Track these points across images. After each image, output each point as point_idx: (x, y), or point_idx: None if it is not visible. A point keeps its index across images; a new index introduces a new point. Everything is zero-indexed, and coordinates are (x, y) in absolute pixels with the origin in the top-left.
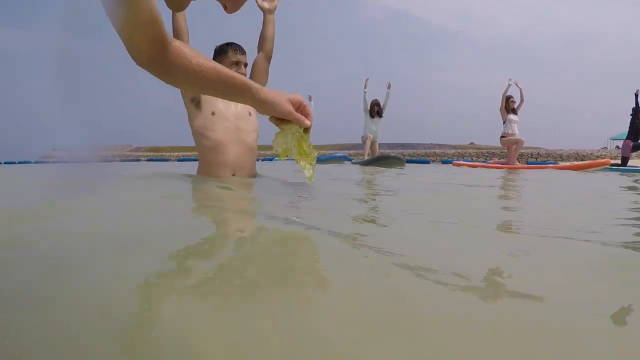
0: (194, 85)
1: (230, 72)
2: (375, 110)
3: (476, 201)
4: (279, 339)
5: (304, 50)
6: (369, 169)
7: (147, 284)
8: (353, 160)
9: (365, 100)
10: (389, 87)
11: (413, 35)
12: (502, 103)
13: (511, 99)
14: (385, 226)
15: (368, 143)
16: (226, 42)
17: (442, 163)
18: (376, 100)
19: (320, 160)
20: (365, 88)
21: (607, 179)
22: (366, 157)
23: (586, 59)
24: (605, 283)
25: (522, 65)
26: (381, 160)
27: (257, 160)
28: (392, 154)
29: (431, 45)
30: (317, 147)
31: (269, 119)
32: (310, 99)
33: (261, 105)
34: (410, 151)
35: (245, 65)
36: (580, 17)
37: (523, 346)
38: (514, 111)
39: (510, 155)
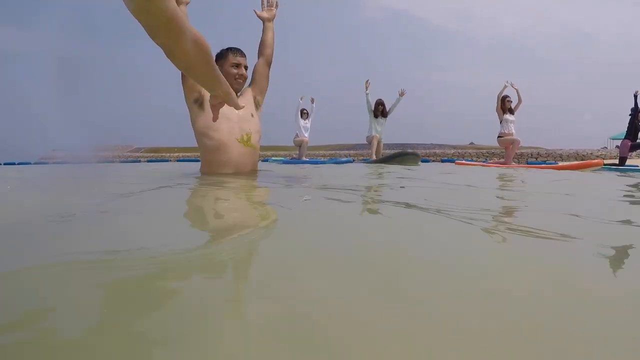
0: (184, 54)
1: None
2: (380, 110)
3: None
4: None
5: (303, 50)
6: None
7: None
8: (366, 160)
9: (368, 101)
10: (401, 94)
11: (413, 36)
12: (497, 103)
13: (507, 99)
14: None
15: (375, 143)
16: (227, 47)
17: (442, 162)
18: (380, 100)
19: (326, 163)
20: (366, 90)
21: (602, 177)
22: (374, 157)
23: (586, 59)
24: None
25: (522, 65)
26: (398, 157)
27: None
28: (410, 151)
29: (431, 46)
30: (318, 148)
31: (211, 106)
32: (312, 101)
33: (226, 97)
34: (404, 149)
35: (246, 67)
36: (580, 17)
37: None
38: (511, 111)
39: (508, 154)
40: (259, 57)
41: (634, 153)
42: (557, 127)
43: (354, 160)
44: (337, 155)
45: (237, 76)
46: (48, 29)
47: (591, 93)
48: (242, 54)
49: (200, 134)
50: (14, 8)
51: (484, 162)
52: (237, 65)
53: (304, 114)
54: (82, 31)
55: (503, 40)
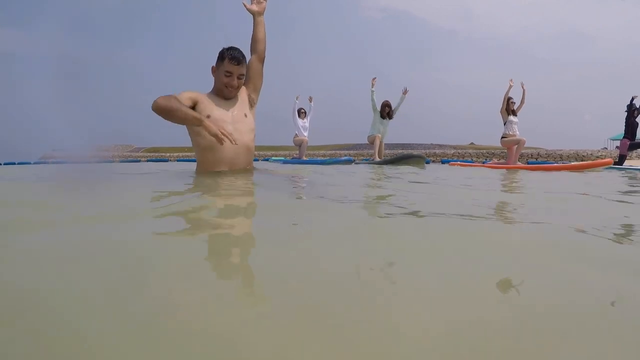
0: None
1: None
2: (386, 112)
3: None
4: None
5: (303, 50)
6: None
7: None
8: (369, 160)
9: (373, 99)
10: (405, 92)
11: (412, 36)
12: (503, 104)
13: (511, 100)
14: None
15: (377, 142)
16: (230, 46)
17: (442, 163)
18: (387, 101)
19: (326, 163)
20: (372, 87)
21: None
22: (376, 158)
23: (586, 59)
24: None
25: (522, 65)
26: (403, 160)
27: (257, 160)
28: (415, 153)
29: (431, 45)
30: (319, 148)
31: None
32: (310, 100)
33: (205, 128)
34: (410, 151)
35: (240, 76)
36: (580, 16)
37: None
38: (514, 112)
39: (511, 155)
40: (251, 54)
41: (634, 153)
42: (557, 127)
43: (354, 160)
44: (337, 155)
45: (226, 85)
46: (48, 30)
47: (591, 93)
48: (239, 62)
49: (194, 134)
50: (13, 8)
51: (483, 162)
52: (229, 74)
53: (301, 113)
54: (82, 32)
55: (503, 41)
